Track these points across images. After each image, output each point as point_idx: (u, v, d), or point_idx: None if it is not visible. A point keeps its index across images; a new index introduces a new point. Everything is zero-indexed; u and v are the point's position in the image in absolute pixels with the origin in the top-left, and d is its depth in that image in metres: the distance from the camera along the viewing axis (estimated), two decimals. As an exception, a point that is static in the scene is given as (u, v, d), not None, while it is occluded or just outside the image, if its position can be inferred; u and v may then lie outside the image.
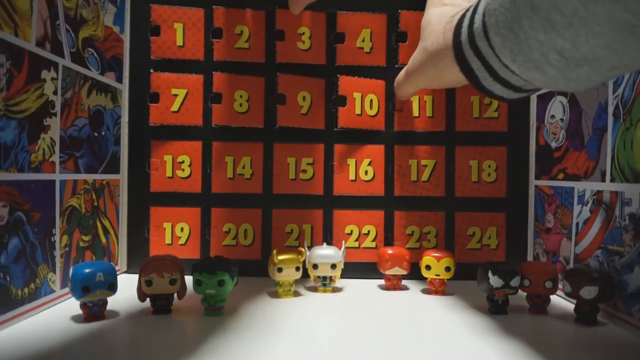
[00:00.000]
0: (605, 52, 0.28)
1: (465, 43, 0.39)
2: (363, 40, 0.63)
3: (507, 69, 0.36)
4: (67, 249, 0.50)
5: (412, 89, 0.56)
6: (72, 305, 0.46)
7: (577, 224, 0.53)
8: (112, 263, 0.46)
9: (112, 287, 0.44)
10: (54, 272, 0.47)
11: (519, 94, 0.40)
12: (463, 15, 0.41)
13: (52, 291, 0.47)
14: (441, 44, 0.44)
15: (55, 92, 0.47)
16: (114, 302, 0.47)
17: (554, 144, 0.59)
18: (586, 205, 0.51)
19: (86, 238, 0.54)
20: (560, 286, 0.49)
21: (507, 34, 0.32)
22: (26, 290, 0.43)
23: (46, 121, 0.46)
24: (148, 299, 0.46)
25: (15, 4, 0.40)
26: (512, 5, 0.31)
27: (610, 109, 0.48)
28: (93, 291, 0.42)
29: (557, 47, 0.30)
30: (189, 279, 0.47)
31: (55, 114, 0.47)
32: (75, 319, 0.44)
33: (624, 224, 0.46)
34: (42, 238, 0.45)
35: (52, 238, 0.47)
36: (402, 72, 0.56)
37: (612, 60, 0.29)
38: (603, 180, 0.49)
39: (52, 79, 0.46)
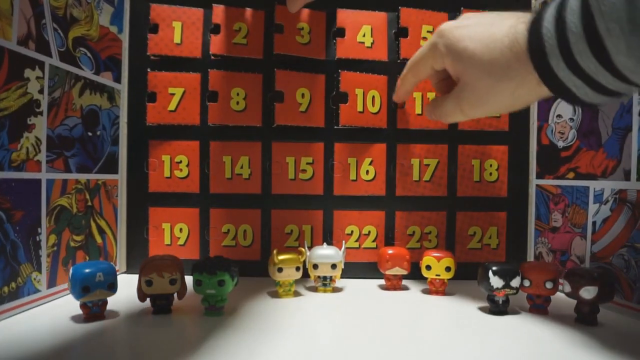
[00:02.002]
0: None
1: (557, 60, 0.33)
2: (364, 36, 0.62)
3: (620, 80, 0.32)
4: (55, 248, 0.49)
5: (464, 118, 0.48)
6: (66, 305, 0.47)
7: (594, 222, 0.53)
8: (112, 263, 0.46)
9: (112, 287, 0.44)
10: (39, 271, 0.47)
11: (616, 98, 0.35)
12: (536, 21, 0.35)
13: (37, 291, 0.47)
14: (507, 57, 0.37)
15: (41, 91, 0.47)
16: (114, 302, 0.46)
17: (561, 144, 0.58)
18: (605, 204, 0.51)
19: (78, 238, 0.53)
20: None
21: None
22: (6, 289, 0.42)
23: (30, 120, 0.45)
24: (148, 299, 0.46)
25: (-7, 2, 0.40)
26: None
27: (636, 109, 0.47)
28: (93, 291, 0.42)
29: None
30: (188, 279, 0.46)
31: (41, 113, 0.47)
32: (75, 319, 0.44)
33: None
34: (24, 237, 0.45)
35: (37, 237, 0.47)
36: (449, 106, 0.47)
37: None
38: (627, 179, 0.48)
39: (38, 77, 0.46)
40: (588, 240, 0.53)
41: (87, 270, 0.42)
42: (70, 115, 0.52)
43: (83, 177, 0.54)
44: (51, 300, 0.49)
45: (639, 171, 0.47)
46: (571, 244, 0.56)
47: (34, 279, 0.46)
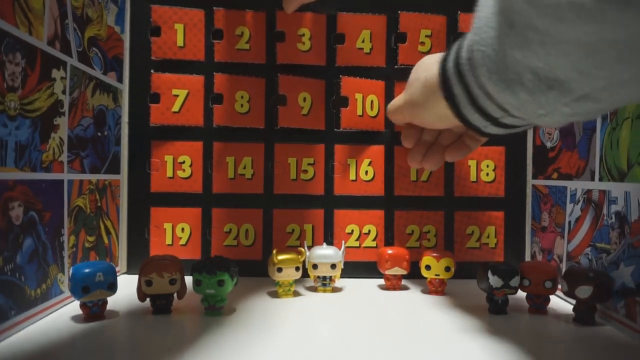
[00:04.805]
0: (575, 73, 0.29)
1: (451, 67, 0.39)
2: (363, 41, 0.64)
3: (485, 94, 0.37)
4: (74, 249, 0.49)
5: (400, 118, 0.54)
6: (75, 306, 0.46)
7: (570, 222, 0.55)
8: (112, 263, 0.46)
9: (112, 287, 0.44)
10: (63, 272, 0.47)
11: (496, 129, 0.40)
12: (453, 44, 0.41)
13: (62, 292, 0.47)
14: (433, 72, 0.43)
15: (64, 92, 0.47)
16: (114, 302, 0.46)
17: (549, 144, 0.60)
18: (577, 204, 0.53)
19: (91, 239, 0.53)
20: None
21: (488, 50, 0.33)
22: (39, 291, 0.42)
23: (56, 120, 0.45)
24: (148, 299, 0.46)
25: (30, 2, 0.40)
26: (496, 24, 0.32)
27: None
28: (93, 291, 0.42)
29: (531, 65, 0.31)
30: (188, 279, 0.47)
31: (64, 114, 0.47)
32: (76, 319, 0.44)
33: (611, 222, 0.47)
34: (52, 238, 0.45)
35: (61, 238, 0.46)
36: (394, 102, 0.54)
37: (582, 86, 0.30)
38: (592, 179, 0.50)
39: (62, 78, 0.46)
40: (565, 240, 0.55)
41: (87, 270, 0.42)
42: (85, 115, 0.51)
43: (94, 177, 0.54)
44: (72, 302, 0.48)
45: (600, 172, 0.48)
46: (554, 243, 0.58)
47: (59, 280, 0.46)
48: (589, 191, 0.51)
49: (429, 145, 0.54)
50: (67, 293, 0.48)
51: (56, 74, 0.45)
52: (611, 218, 0.47)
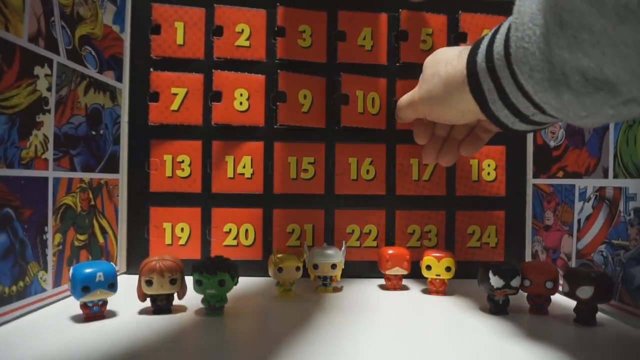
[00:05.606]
0: (629, 76, 0.28)
1: (481, 62, 0.38)
2: (364, 39, 0.63)
3: (520, 91, 0.36)
4: (60, 247, 0.49)
5: (413, 115, 0.53)
6: (71, 305, 0.46)
7: (579, 220, 0.54)
8: (112, 263, 0.46)
9: (112, 287, 0.43)
10: (46, 270, 0.47)
11: (524, 126, 0.40)
12: (482, 37, 0.40)
13: (43, 290, 0.46)
14: (455, 66, 0.43)
15: (49, 89, 0.47)
16: (114, 302, 0.46)
17: (552, 143, 0.59)
18: (588, 202, 0.52)
19: (82, 237, 0.53)
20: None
21: (532, 48, 0.32)
22: (14, 288, 0.42)
23: (39, 117, 0.45)
24: (148, 299, 0.46)
25: (6, -1, 0.40)
26: (543, 22, 0.31)
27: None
28: (93, 291, 0.42)
29: (581, 66, 0.29)
30: (188, 279, 0.46)
31: (49, 111, 0.47)
32: (75, 319, 0.44)
33: (629, 219, 0.46)
34: (32, 236, 0.45)
35: (44, 236, 0.46)
36: (406, 97, 0.53)
37: (631, 89, 0.28)
38: (606, 177, 0.49)
39: (46, 75, 0.46)
40: (574, 238, 0.55)
41: (87, 270, 0.42)
42: (76, 113, 0.52)
43: (87, 176, 0.54)
44: (57, 301, 0.49)
45: (615, 169, 0.48)
46: (560, 241, 0.57)
47: (41, 278, 0.46)
48: (601, 188, 0.50)
49: (442, 141, 0.54)
50: (50, 291, 0.48)
51: (39, 71, 0.45)
52: (629, 215, 0.46)
